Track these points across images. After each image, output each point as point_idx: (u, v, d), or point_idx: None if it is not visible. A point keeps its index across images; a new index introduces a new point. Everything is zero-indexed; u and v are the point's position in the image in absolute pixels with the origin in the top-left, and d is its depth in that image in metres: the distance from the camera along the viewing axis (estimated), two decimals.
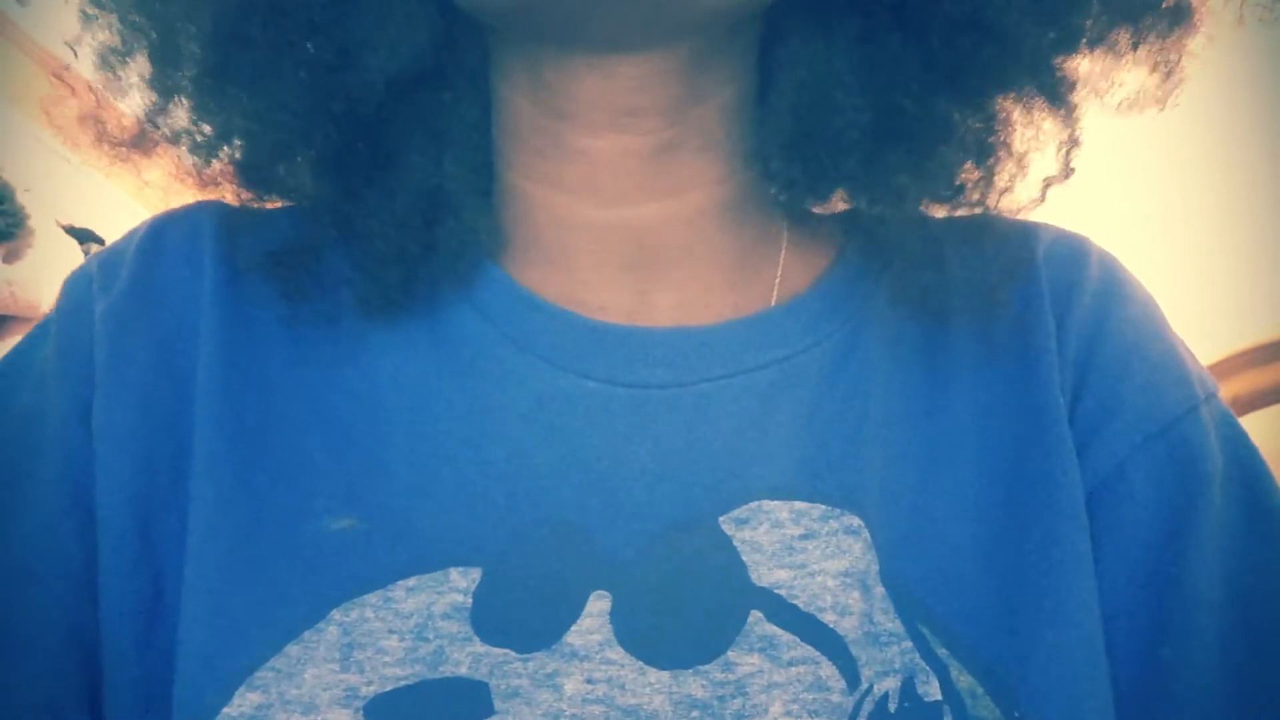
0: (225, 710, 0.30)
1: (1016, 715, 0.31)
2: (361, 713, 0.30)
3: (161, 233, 0.39)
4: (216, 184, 0.40)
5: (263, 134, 0.37)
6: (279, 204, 0.41)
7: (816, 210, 0.42)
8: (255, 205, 0.40)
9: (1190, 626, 0.34)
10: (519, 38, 0.35)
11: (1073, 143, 0.38)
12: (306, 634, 0.32)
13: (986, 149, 0.37)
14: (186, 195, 0.41)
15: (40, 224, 1.50)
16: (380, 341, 0.38)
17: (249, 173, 0.39)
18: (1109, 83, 0.37)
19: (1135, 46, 0.37)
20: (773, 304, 0.38)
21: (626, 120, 0.35)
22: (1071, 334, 0.37)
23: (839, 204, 0.42)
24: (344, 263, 0.39)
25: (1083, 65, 0.37)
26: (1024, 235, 0.40)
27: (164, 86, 0.38)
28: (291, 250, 0.39)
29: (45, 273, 1.50)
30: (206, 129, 0.38)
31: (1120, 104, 0.37)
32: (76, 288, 0.38)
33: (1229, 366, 1.42)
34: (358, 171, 0.38)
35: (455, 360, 0.37)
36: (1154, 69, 0.37)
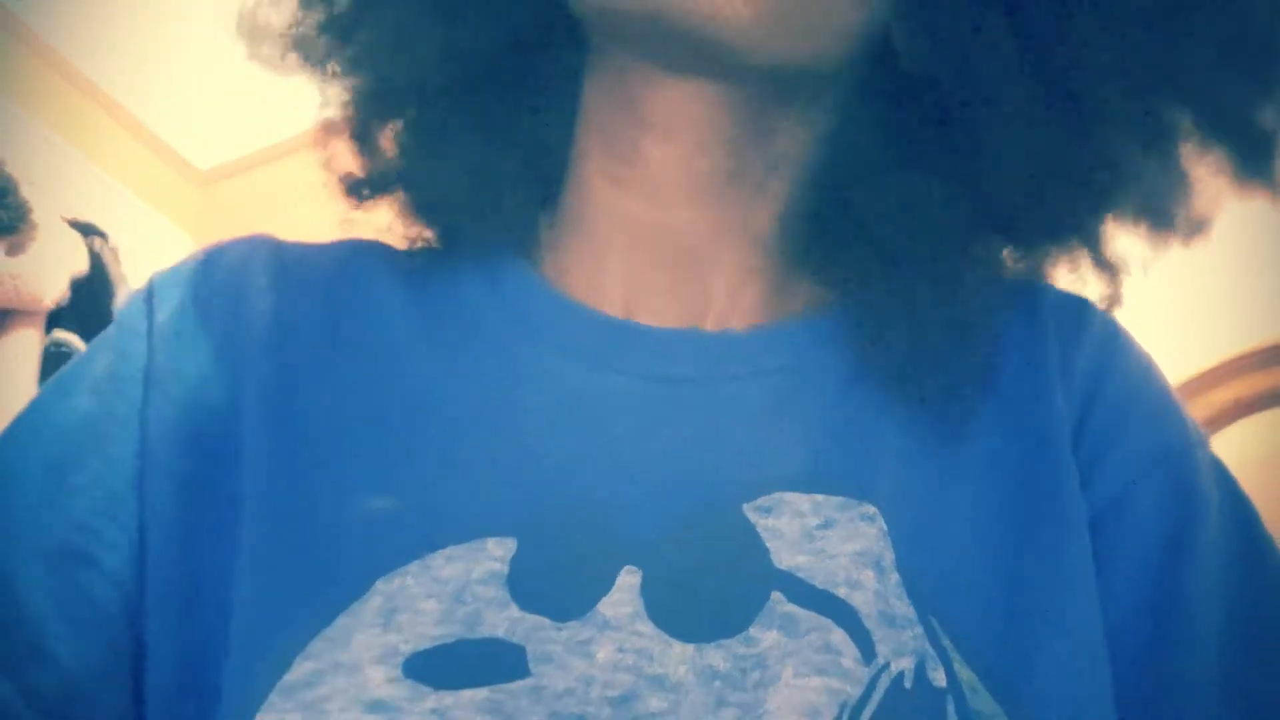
0: (285, 677, 0.32)
1: (1018, 713, 0.33)
2: (400, 668, 0.32)
3: (218, 255, 0.43)
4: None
5: (375, 72, 0.42)
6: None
7: None
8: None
9: (1189, 643, 0.36)
10: (603, 42, 0.39)
11: (1114, 300, 0.41)
12: (354, 605, 0.34)
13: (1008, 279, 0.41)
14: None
15: (43, 218, 1.50)
16: (413, 341, 0.41)
17: (359, 110, 0.44)
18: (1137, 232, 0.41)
19: (1144, 216, 0.41)
20: (793, 317, 0.41)
21: (685, 137, 0.39)
22: (1077, 368, 0.40)
23: None
24: (391, 275, 0.43)
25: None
26: (1029, 288, 0.43)
27: (312, 12, 0.43)
28: (349, 179, 0.44)
29: (48, 266, 1.50)
30: (341, 51, 0.43)
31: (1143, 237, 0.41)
32: (138, 305, 0.41)
33: (1229, 370, 1.42)
34: (445, 132, 0.42)
35: (491, 361, 0.40)
36: (1177, 235, 0.41)
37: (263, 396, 0.38)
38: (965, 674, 0.33)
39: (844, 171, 0.40)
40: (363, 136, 0.44)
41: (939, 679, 0.33)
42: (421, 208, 0.44)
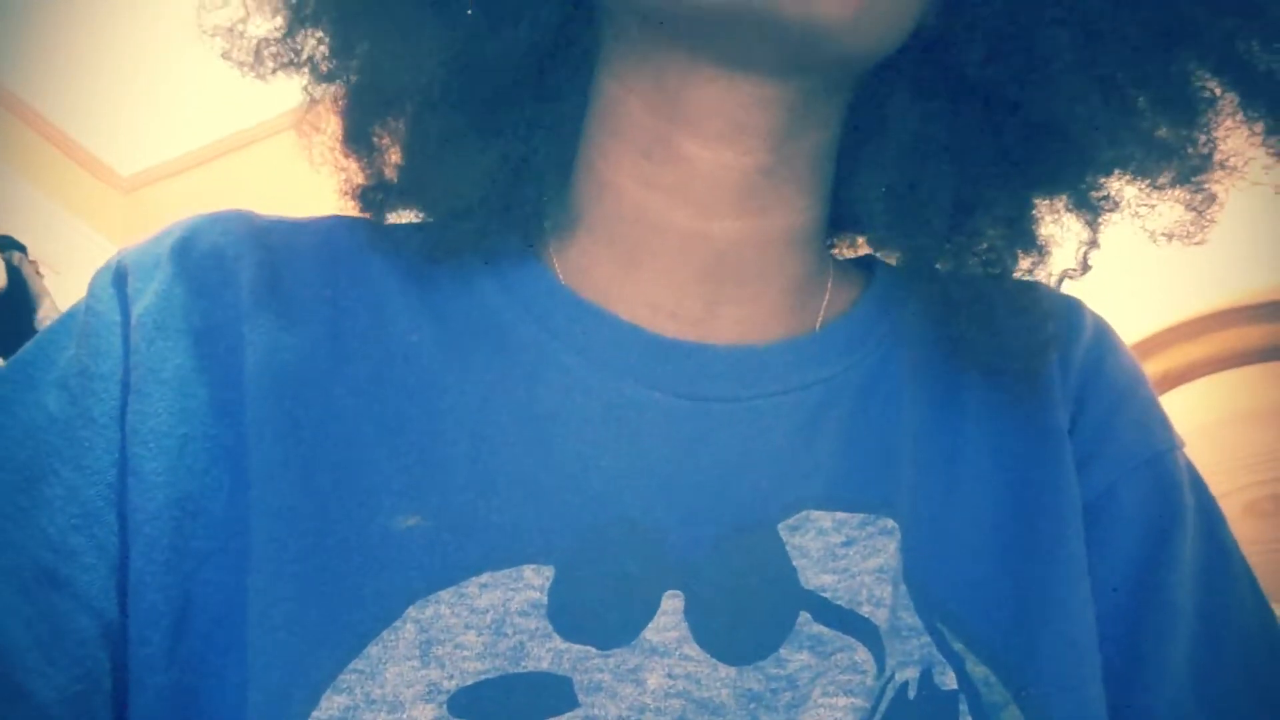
0: (314, 714, 0.31)
1: (1027, 696, 0.34)
2: (445, 707, 0.31)
3: (196, 236, 0.39)
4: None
5: (381, 74, 0.39)
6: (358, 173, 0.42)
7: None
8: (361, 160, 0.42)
9: (1166, 628, 0.38)
10: (664, 41, 0.37)
11: (1092, 244, 0.42)
12: (384, 633, 0.32)
13: (1015, 235, 0.42)
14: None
15: None
16: (433, 348, 0.38)
17: (353, 115, 0.40)
18: (1149, 209, 0.41)
19: (1173, 184, 0.41)
20: (816, 328, 0.41)
21: (735, 136, 0.37)
22: (1072, 370, 0.42)
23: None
24: (388, 264, 0.40)
25: (1127, 190, 0.41)
26: (1027, 288, 0.44)
27: (300, 14, 0.40)
28: (360, 191, 0.41)
29: None
30: (329, 57, 0.40)
31: (1155, 233, 0.41)
32: (108, 290, 0.37)
33: (1181, 333, 1.45)
34: (454, 132, 0.39)
35: (515, 368, 0.38)
36: (1187, 207, 0.41)
37: (268, 403, 0.35)
38: (979, 671, 0.35)
39: (886, 153, 0.40)
40: (359, 138, 0.41)
41: (949, 682, 0.34)
42: (434, 209, 0.41)
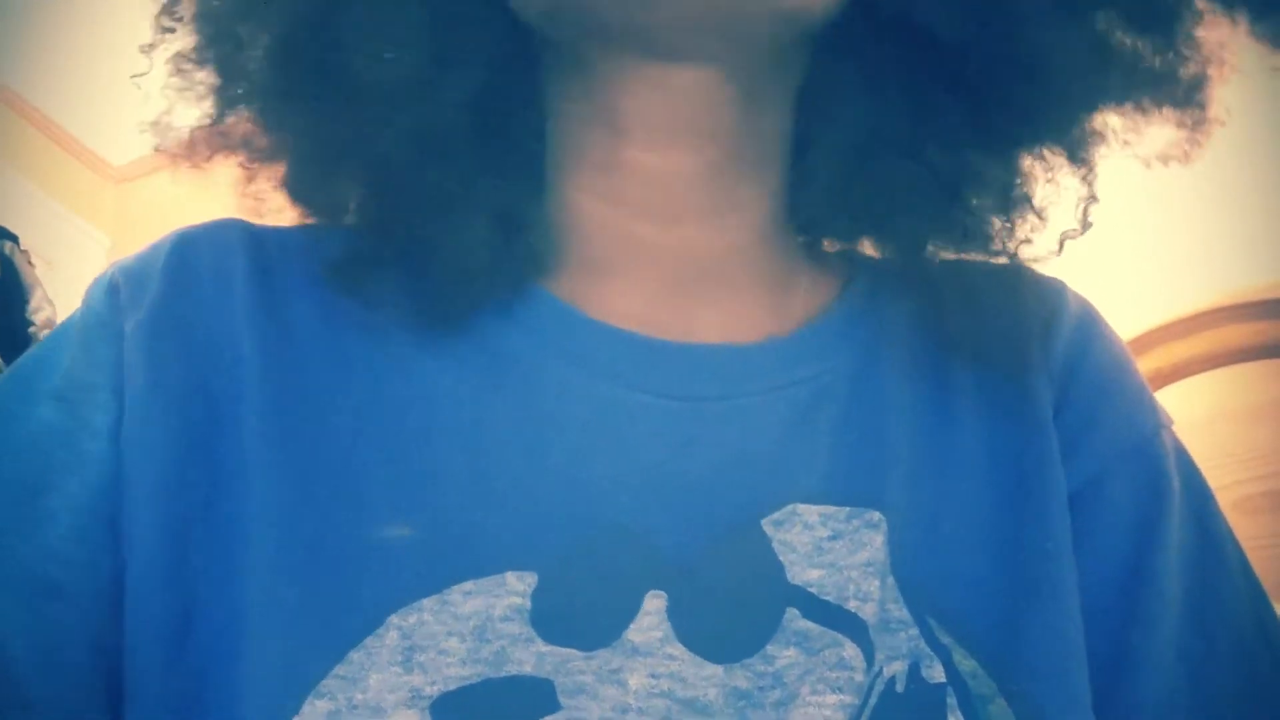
0: (295, 719, 0.31)
1: (1013, 688, 0.35)
2: (427, 712, 0.31)
3: (189, 247, 0.39)
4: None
5: (316, 151, 0.39)
6: (305, 221, 0.41)
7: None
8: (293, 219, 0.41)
9: (1154, 616, 0.38)
10: (574, 44, 0.37)
11: (1090, 199, 0.41)
12: (368, 640, 0.32)
13: (1010, 201, 0.41)
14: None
15: None
16: (427, 360, 0.38)
17: (299, 187, 0.40)
18: (1137, 136, 0.40)
19: (1160, 107, 0.40)
20: (800, 326, 0.41)
21: (678, 136, 0.38)
22: (1056, 355, 0.42)
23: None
24: (387, 280, 0.39)
25: (1112, 119, 0.40)
26: (1012, 274, 0.43)
27: (227, 98, 0.40)
28: (337, 266, 0.40)
29: None
30: (264, 141, 0.40)
31: (1148, 159, 0.40)
32: (102, 301, 0.38)
33: (1181, 328, 1.45)
34: (423, 190, 0.39)
35: (508, 377, 0.38)
36: (1179, 126, 0.40)
37: (266, 413, 0.36)
38: (967, 664, 0.35)
39: (829, 145, 0.40)
40: (310, 198, 0.40)
41: (936, 675, 0.34)
42: (431, 276, 0.40)
